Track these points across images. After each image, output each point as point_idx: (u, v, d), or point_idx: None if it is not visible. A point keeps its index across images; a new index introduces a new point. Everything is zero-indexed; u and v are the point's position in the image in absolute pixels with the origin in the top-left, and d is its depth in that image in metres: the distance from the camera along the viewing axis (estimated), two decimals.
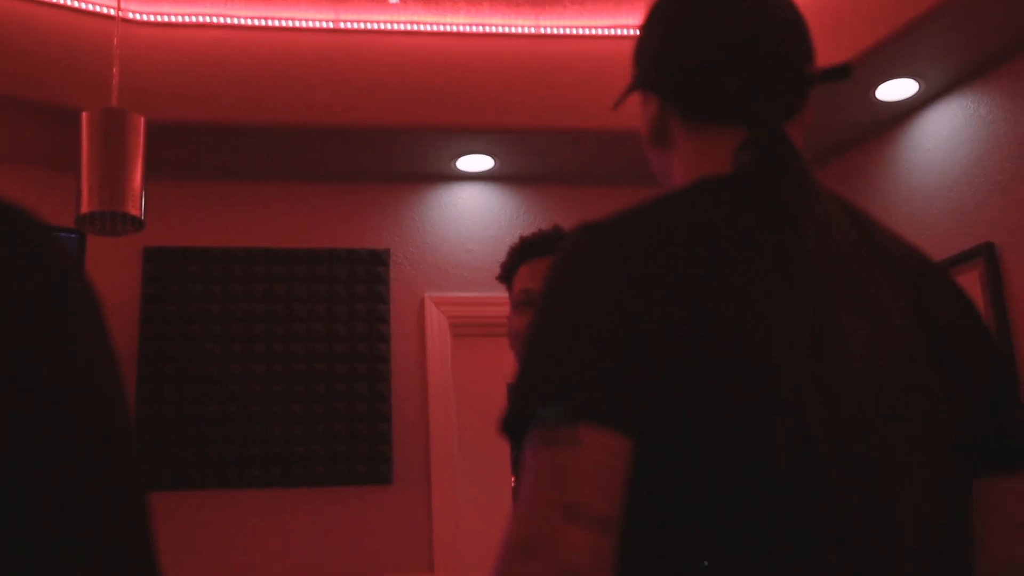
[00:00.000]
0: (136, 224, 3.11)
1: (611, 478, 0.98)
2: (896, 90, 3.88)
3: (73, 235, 3.73)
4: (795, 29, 1.21)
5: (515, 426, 1.02)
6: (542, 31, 4.12)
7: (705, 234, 1.07)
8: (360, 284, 4.28)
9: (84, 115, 3.09)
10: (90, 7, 3.79)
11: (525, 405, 1.02)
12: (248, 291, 4.19)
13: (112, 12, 3.71)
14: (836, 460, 1.00)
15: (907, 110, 4.03)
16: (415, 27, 4.08)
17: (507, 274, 2.36)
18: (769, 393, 1.00)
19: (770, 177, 1.12)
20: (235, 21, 3.97)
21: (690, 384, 1.00)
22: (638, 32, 1.29)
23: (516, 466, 2.61)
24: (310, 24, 4.02)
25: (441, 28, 4.08)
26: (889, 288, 1.11)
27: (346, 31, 4.04)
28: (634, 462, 0.99)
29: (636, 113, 1.31)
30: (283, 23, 4.00)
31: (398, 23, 4.07)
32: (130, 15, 3.85)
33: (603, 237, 1.07)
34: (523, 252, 2.33)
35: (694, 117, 1.22)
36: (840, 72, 1.20)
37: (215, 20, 3.95)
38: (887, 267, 1.13)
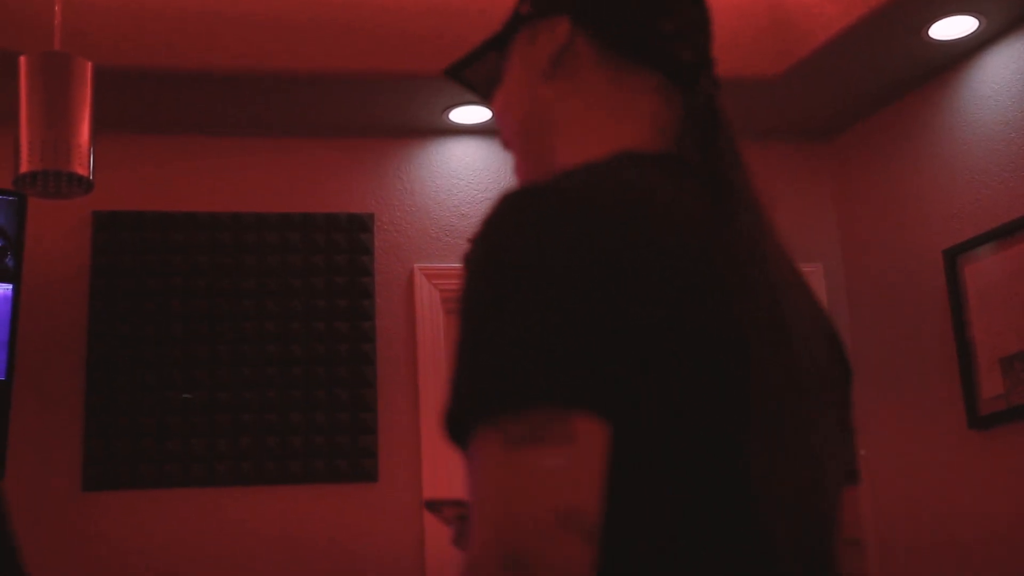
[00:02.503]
0: (84, 185, 3.11)
1: (602, 477, 0.99)
2: (953, 28, 3.85)
3: (12, 198, 3.70)
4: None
5: (472, 424, 1.00)
6: None
7: (660, 209, 1.11)
8: (340, 254, 4.26)
9: (22, 59, 3.08)
10: None
11: (487, 397, 0.99)
12: (213, 262, 4.17)
13: None
14: (796, 442, 1.11)
15: (965, 51, 4.00)
16: None
17: None
18: (741, 375, 1.06)
19: (710, 164, 1.21)
20: None
21: (662, 364, 1.03)
22: None
23: None
24: None
25: None
26: (799, 287, 1.23)
27: None
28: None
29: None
30: None
31: None
32: None
33: (558, 201, 1.07)
34: None
35: (617, 49, 1.27)
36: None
37: None
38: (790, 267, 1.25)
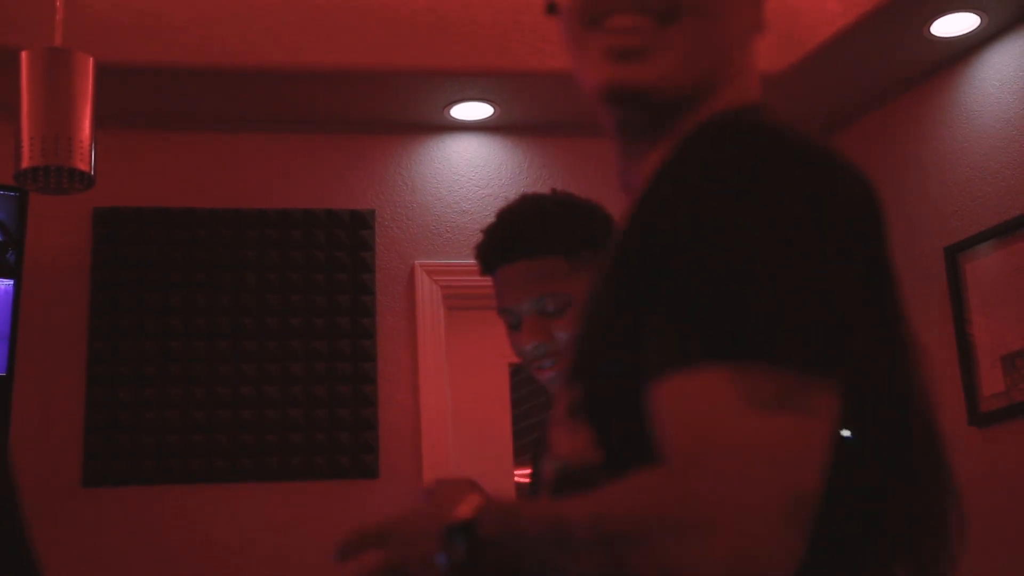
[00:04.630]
0: (85, 181, 3.10)
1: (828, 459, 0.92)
2: (954, 25, 3.85)
3: (13, 194, 3.69)
4: None
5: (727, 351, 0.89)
6: None
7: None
8: (341, 250, 4.26)
9: (24, 55, 3.06)
10: None
11: (739, 335, 0.89)
12: (213, 258, 4.17)
13: None
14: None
15: (967, 48, 3.99)
16: None
17: (484, 270, 2.26)
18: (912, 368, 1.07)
19: None
20: None
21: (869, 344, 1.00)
22: None
23: (536, 453, 2.55)
24: None
25: None
26: None
27: None
28: None
29: None
30: None
31: None
32: None
33: (798, 144, 1.04)
34: (498, 253, 2.20)
35: None
36: None
37: None
38: None
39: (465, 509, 1.01)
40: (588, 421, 1.03)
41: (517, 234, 2.17)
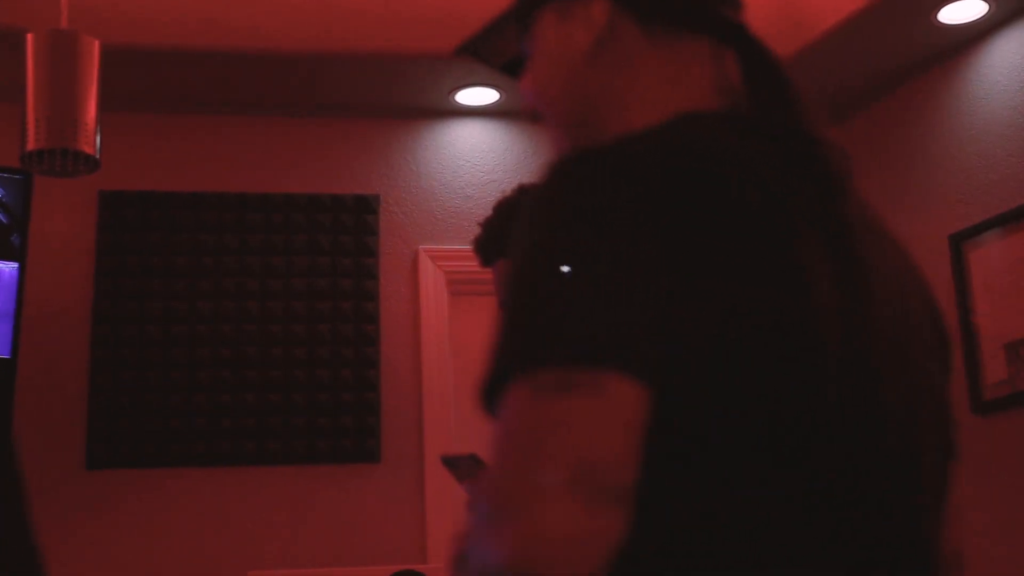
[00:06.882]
0: (90, 164, 3.10)
1: (635, 438, 0.92)
2: (962, 12, 3.84)
3: (19, 176, 3.70)
4: None
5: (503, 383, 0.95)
6: None
7: (727, 164, 1.05)
8: (345, 235, 4.26)
9: (29, 37, 3.07)
10: None
11: (524, 351, 0.94)
12: (218, 242, 4.17)
13: None
14: (874, 410, 1.04)
15: (975, 35, 3.98)
16: None
17: (483, 263, 2.28)
18: (814, 345, 1.00)
19: (779, 117, 1.14)
20: None
21: (723, 331, 0.97)
22: None
23: None
24: None
25: None
26: (890, 251, 1.17)
27: None
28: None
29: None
30: None
31: None
32: None
33: (620, 159, 1.02)
34: (493, 248, 2.21)
35: (663, 22, 1.21)
36: None
37: None
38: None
39: None
40: None
41: (511, 228, 2.18)
